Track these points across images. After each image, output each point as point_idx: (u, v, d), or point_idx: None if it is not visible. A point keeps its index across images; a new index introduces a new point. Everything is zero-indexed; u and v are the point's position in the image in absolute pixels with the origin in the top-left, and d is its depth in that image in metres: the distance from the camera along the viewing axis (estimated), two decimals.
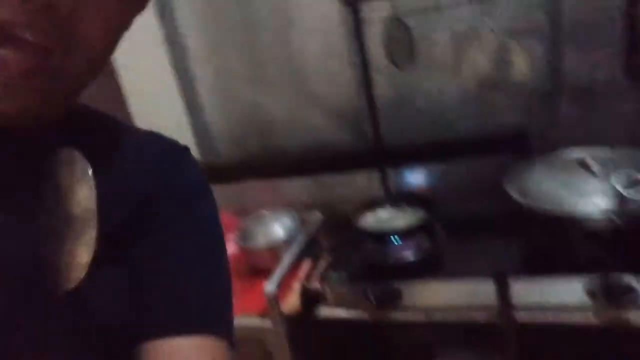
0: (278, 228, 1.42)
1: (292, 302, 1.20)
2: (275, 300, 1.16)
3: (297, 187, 1.54)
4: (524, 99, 1.30)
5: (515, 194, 1.12)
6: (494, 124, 1.36)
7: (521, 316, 1.00)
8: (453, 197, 1.37)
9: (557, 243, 1.08)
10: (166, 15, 1.51)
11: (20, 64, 0.30)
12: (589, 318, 0.97)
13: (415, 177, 1.47)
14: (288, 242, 1.33)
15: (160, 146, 0.48)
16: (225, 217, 1.44)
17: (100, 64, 0.36)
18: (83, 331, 0.38)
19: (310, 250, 1.32)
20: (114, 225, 0.38)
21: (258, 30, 1.48)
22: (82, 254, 0.36)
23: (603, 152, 1.14)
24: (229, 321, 0.45)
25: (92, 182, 0.37)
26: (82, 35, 0.32)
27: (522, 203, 1.09)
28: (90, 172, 0.37)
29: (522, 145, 1.29)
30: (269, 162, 1.57)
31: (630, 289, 0.95)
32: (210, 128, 1.62)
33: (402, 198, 1.37)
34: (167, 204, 0.45)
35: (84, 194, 0.37)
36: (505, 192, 1.13)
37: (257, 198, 1.54)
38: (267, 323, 1.17)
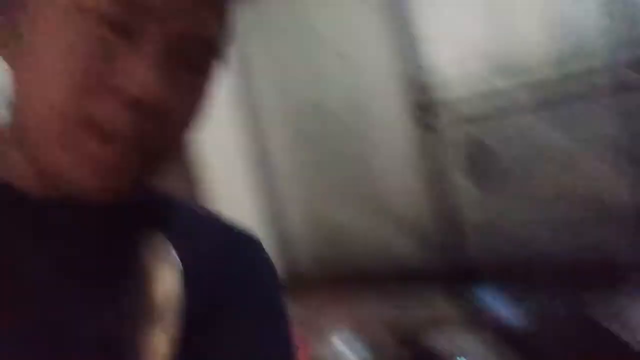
0: (350, 354, 1.35)
1: None
2: None
3: (372, 302, 1.49)
4: (613, 223, 1.27)
5: (618, 331, 1.04)
6: (579, 248, 1.32)
7: None
8: (537, 326, 1.29)
9: None
10: (257, 135, 1.60)
11: (115, 158, 0.33)
12: None
13: (492, 300, 1.40)
14: None
15: (235, 235, 0.47)
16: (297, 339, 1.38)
17: (178, 146, 0.39)
18: None
19: None
20: (188, 313, 0.37)
21: (339, 149, 1.53)
22: (162, 340, 0.35)
23: None
24: None
25: (175, 267, 0.37)
26: (171, 126, 0.36)
27: (630, 342, 1.01)
28: (174, 255, 0.37)
29: (613, 273, 1.23)
30: (344, 276, 1.54)
31: None
32: (291, 239, 1.64)
33: (477, 320, 1.30)
34: (239, 294, 0.43)
35: (167, 279, 0.37)
36: (600, 326, 1.06)
37: (330, 313, 1.48)
38: None
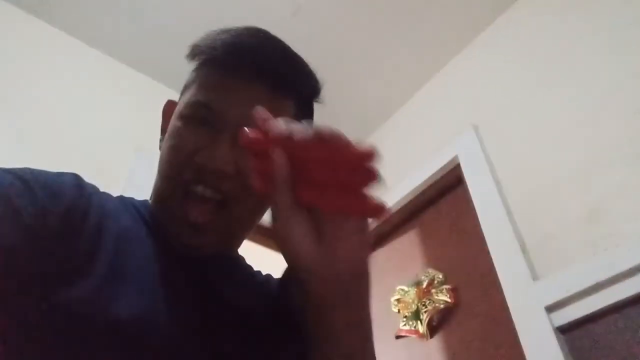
0: None
1: None
2: None
3: None
4: None
5: None
6: None
7: None
8: None
9: None
10: None
11: (204, 213, 0.49)
12: None
13: None
14: None
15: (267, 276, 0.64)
16: None
17: (255, 217, 0.55)
18: None
19: None
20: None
21: None
22: None
23: None
24: None
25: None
26: (242, 192, 0.49)
27: None
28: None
29: None
30: None
31: None
32: None
33: None
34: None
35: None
36: None
37: None
38: None
